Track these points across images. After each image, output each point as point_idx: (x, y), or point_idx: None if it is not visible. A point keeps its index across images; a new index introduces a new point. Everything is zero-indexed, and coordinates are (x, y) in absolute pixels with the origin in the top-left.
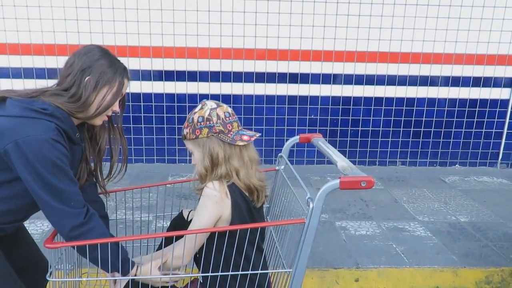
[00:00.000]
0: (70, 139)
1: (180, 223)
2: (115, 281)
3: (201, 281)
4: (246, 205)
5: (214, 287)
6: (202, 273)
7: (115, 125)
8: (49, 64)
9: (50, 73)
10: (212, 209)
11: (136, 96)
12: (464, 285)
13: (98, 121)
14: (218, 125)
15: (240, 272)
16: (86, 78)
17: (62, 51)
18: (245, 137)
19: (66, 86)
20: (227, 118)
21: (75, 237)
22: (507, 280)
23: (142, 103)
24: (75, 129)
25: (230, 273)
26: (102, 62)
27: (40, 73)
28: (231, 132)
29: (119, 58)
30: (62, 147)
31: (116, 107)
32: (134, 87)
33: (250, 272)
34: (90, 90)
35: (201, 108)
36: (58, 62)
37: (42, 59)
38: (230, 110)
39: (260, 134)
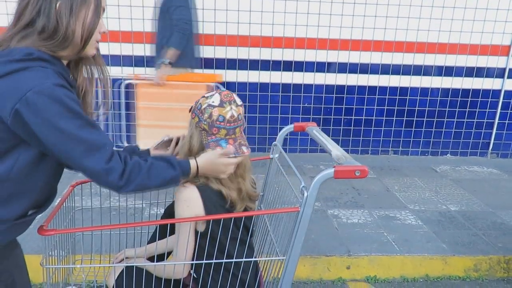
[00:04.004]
0: (69, 83)
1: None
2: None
3: (195, 275)
4: (220, 202)
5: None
6: (194, 270)
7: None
8: None
9: None
10: (188, 214)
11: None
12: (453, 272)
13: (90, 51)
14: (205, 123)
15: (234, 260)
16: (58, 3)
17: None
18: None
19: (27, 20)
20: (218, 122)
21: (124, 186)
22: (494, 268)
23: None
24: (68, 70)
25: (224, 260)
26: None
27: None
28: (213, 137)
29: (112, 44)
30: (69, 92)
31: (103, 27)
32: (128, 73)
33: (243, 259)
34: (67, 17)
35: (207, 97)
36: None
37: None
38: (230, 115)
39: (249, 153)
